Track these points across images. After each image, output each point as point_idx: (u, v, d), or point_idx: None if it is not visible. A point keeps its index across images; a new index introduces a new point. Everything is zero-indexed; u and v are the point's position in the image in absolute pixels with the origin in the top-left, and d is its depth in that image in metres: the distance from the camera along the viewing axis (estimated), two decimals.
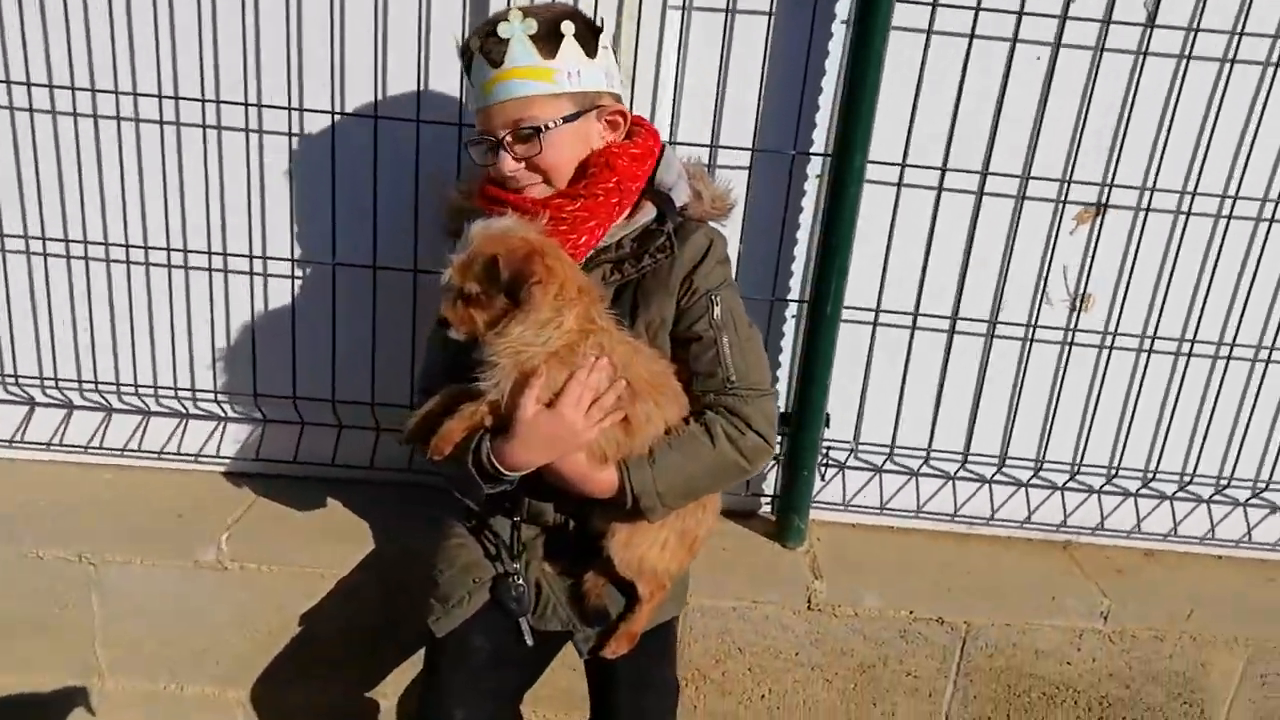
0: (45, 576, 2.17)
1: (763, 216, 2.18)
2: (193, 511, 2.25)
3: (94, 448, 2.39)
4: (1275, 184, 2.17)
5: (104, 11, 2.06)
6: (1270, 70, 2.08)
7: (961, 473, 2.37)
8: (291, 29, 2.06)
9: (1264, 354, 2.28)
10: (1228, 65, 2.08)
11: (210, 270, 2.24)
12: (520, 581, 1.85)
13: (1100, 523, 2.40)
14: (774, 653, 2.23)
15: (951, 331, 2.27)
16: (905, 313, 2.26)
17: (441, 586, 1.86)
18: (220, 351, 2.30)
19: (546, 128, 1.65)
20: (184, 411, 2.36)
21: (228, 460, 2.41)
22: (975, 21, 2.04)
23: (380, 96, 2.11)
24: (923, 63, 2.07)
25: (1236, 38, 2.05)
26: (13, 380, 2.32)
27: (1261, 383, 2.31)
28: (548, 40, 1.63)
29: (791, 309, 2.26)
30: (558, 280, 1.62)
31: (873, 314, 2.25)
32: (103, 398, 2.34)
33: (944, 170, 2.15)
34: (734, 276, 1.85)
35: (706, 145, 2.12)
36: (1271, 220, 2.19)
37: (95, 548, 2.16)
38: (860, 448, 2.35)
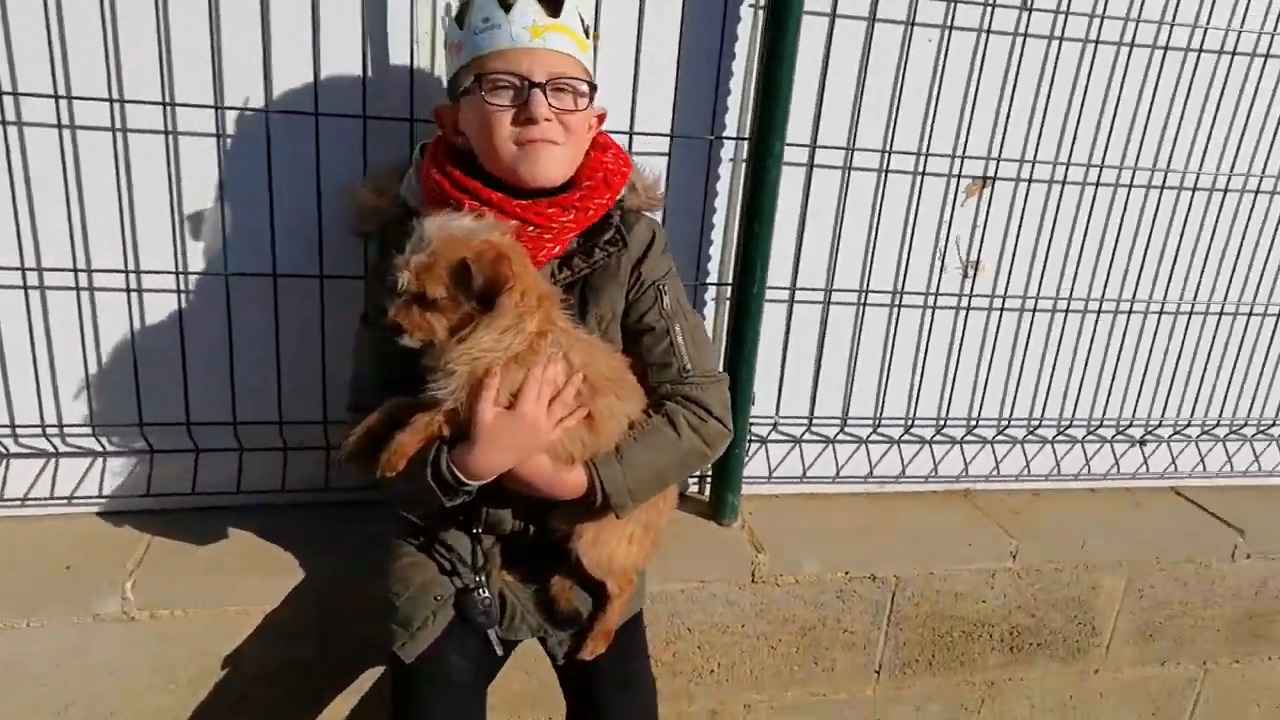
0: None
1: (683, 202, 2.18)
2: (82, 560, 1.99)
3: None
4: (1130, 154, 2.40)
5: None
6: (1125, 50, 2.29)
7: (874, 436, 2.50)
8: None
9: (1125, 307, 2.53)
10: (1091, 45, 2.27)
11: (77, 289, 1.98)
12: (485, 594, 1.78)
13: (995, 469, 2.61)
14: (721, 628, 2.27)
15: (861, 305, 2.37)
16: (818, 289, 2.33)
17: (401, 610, 1.76)
18: (94, 379, 2.04)
19: (592, 87, 1.66)
20: (53, 450, 2.09)
21: (109, 499, 2.15)
22: (874, 7, 2.12)
23: (270, 87, 1.93)
24: (828, 47, 2.14)
25: (1099, 20, 2.25)
26: None
27: (1125, 334, 2.56)
28: (584, 23, 1.67)
29: (712, 292, 2.28)
30: (522, 286, 1.56)
31: (788, 292, 2.31)
32: None
33: (851, 150, 2.23)
34: None
35: (626, 132, 2.08)
36: (1130, 186, 2.42)
37: None
38: (780, 421, 2.42)
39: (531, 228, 1.64)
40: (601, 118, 1.75)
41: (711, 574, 2.22)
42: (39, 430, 2.05)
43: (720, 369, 1.89)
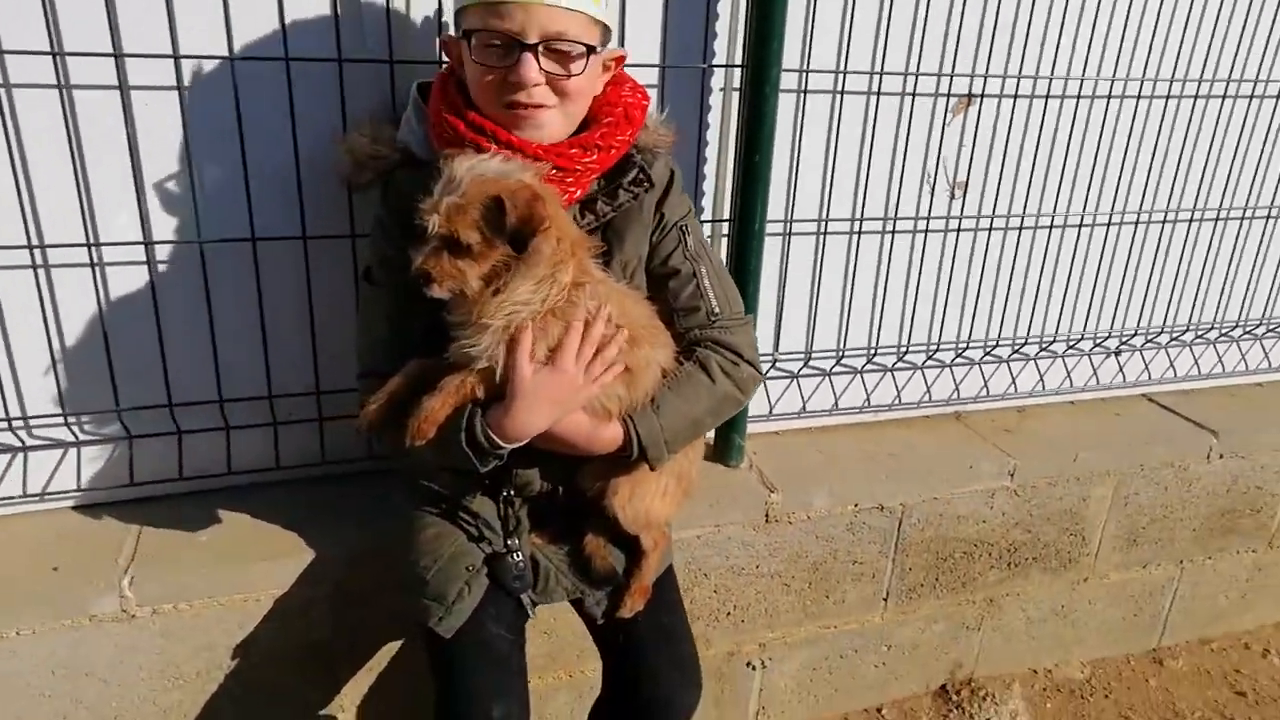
0: None
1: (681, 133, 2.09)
2: (68, 559, 1.85)
3: None
4: (1091, 66, 2.41)
5: None
6: None
7: (868, 366, 2.49)
8: None
9: (1102, 220, 2.57)
10: None
11: (34, 266, 1.79)
12: (519, 558, 1.72)
13: (984, 389, 2.64)
14: (736, 570, 2.26)
15: (854, 233, 2.34)
16: (812, 219, 2.29)
17: (432, 584, 1.69)
18: (60, 364, 1.87)
19: (590, 51, 1.48)
20: (19, 444, 1.91)
21: (86, 492, 1.99)
22: None
23: (231, 32, 1.76)
24: None
25: None
26: None
27: (1103, 250, 2.60)
28: None
29: (707, 229, 2.22)
30: (558, 231, 1.47)
31: (784, 225, 2.26)
32: None
33: (842, 72, 2.17)
34: None
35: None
36: (1093, 98, 2.43)
37: None
38: (779, 357, 2.39)
39: (552, 169, 1.54)
40: (620, 60, 1.64)
41: (726, 518, 2.20)
42: (3, 423, 1.88)
43: (745, 311, 1.83)
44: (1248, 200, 2.72)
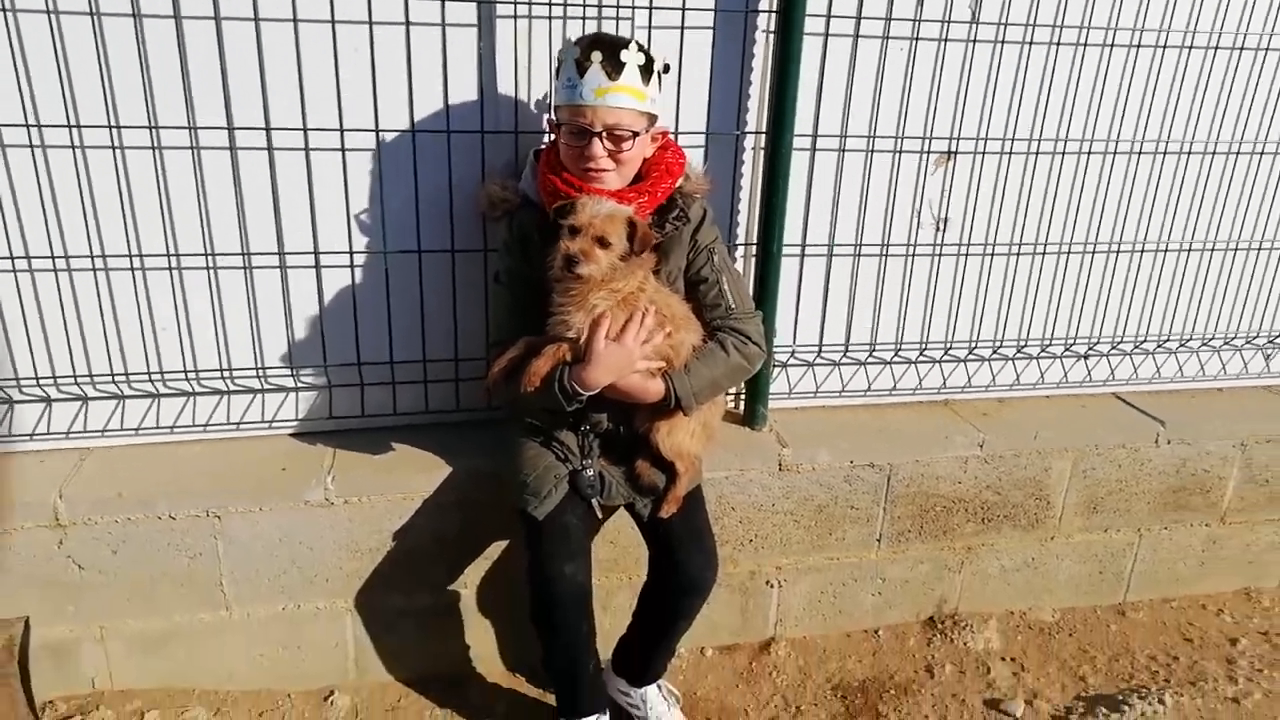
0: (178, 533, 2.62)
1: (717, 181, 2.85)
2: (292, 465, 2.74)
3: (180, 426, 2.81)
4: (1061, 127, 3.06)
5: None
6: (1053, 48, 2.95)
7: (870, 359, 3.19)
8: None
9: (1067, 248, 3.20)
10: (1027, 46, 2.93)
11: (281, 269, 2.69)
12: (590, 473, 2.51)
13: (968, 382, 3.30)
14: (757, 506, 2.99)
15: (856, 255, 3.05)
16: (822, 244, 3.02)
17: (531, 485, 2.49)
18: (291, 332, 2.77)
19: (635, 135, 2.28)
20: (259, 387, 2.82)
21: (300, 423, 2.89)
22: (858, 26, 2.79)
23: (414, 113, 2.64)
24: (823, 59, 2.81)
25: (1031, 28, 2.90)
26: (107, 378, 2.71)
27: (1069, 268, 3.23)
28: (645, 71, 2.26)
29: (740, 250, 2.97)
30: None
31: (799, 248, 3.00)
32: (189, 383, 2.76)
33: (844, 136, 2.91)
34: None
35: (672, 132, 2.76)
36: (1064, 154, 3.08)
37: (219, 503, 2.62)
38: (797, 349, 3.12)
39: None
40: (664, 134, 2.44)
41: (749, 465, 2.94)
42: (254, 371, 2.79)
43: (755, 308, 2.59)
44: (1207, 233, 3.30)
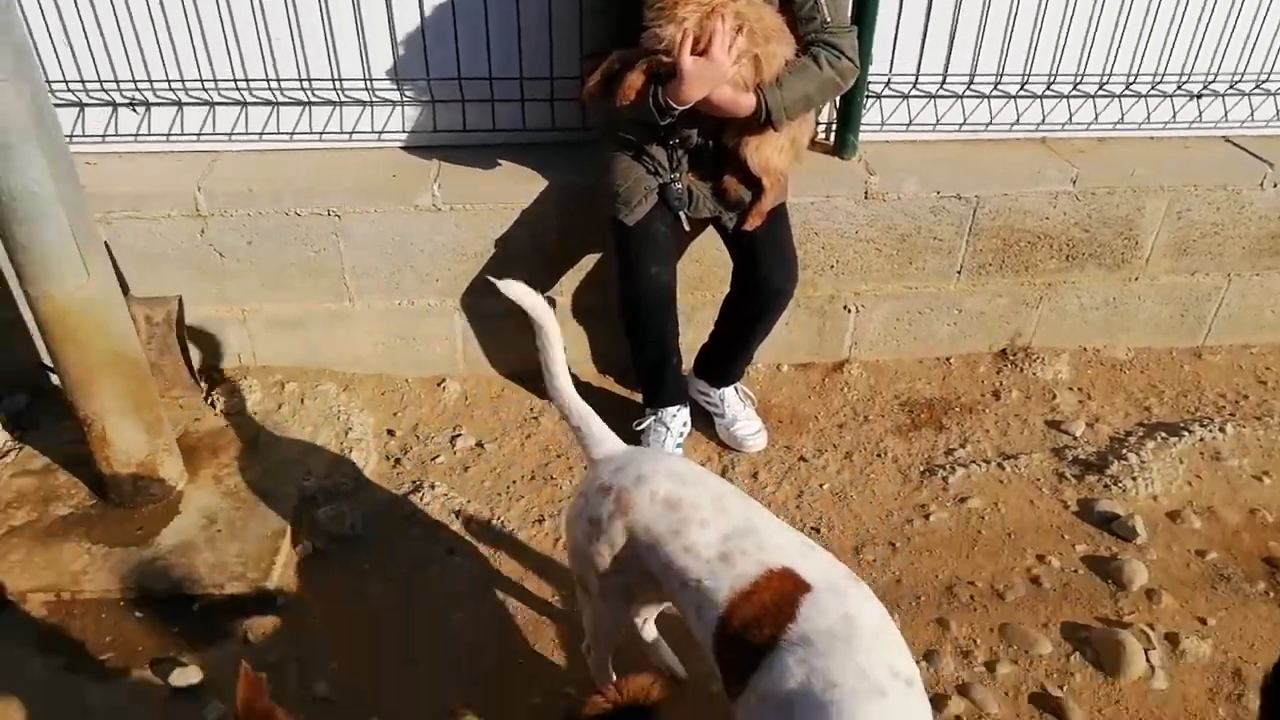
0: (303, 228, 2.88)
1: None
2: (401, 173, 2.93)
3: (299, 133, 3.01)
4: None
5: None
6: None
7: (967, 92, 3.13)
8: None
9: None
10: None
11: None
12: (679, 186, 2.63)
13: (1069, 119, 3.22)
14: (840, 233, 3.08)
15: None
16: None
17: (622, 194, 2.63)
18: (397, 44, 2.87)
19: None
20: (368, 100, 2.97)
21: (408, 135, 3.06)
22: None
23: None
24: None
25: None
26: (230, 83, 2.89)
27: None
28: None
29: None
30: None
31: None
32: (304, 92, 2.93)
33: None
34: None
35: None
36: None
37: (338, 203, 2.85)
38: (893, 79, 3.08)
39: None
40: None
41: (835, 191, 3.00)
42: (363, 84, 2.93)
43: (851, 23, 2.56)
44: None
